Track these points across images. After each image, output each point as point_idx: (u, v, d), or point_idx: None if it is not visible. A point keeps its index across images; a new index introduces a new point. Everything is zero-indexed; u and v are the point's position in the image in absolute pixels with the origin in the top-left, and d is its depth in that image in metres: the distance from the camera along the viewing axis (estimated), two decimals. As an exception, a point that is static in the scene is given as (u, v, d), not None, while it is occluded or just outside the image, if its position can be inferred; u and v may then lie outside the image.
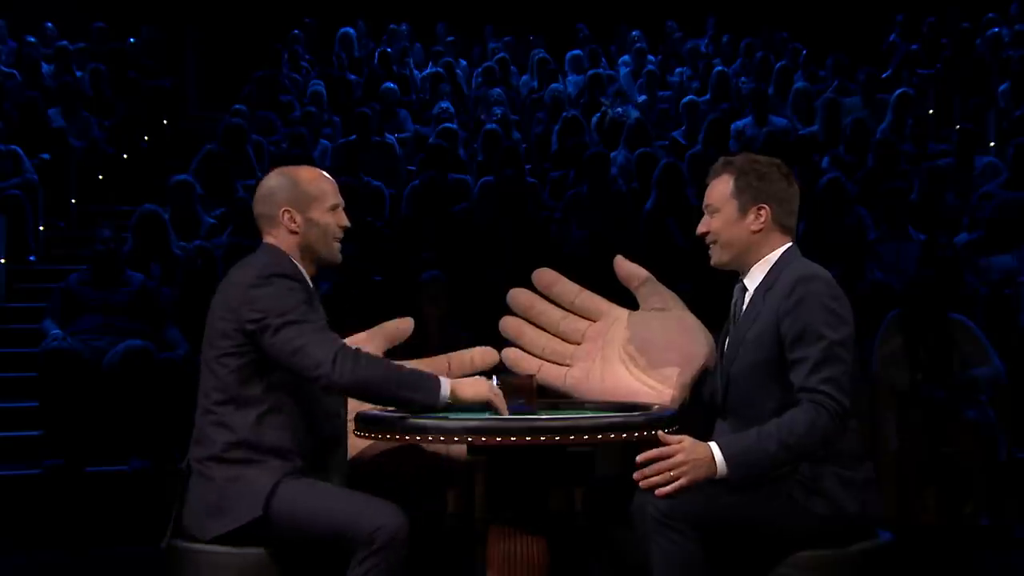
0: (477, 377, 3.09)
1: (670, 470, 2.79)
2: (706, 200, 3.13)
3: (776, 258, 3.05)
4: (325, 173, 3.17)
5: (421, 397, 2.93)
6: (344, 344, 2.92)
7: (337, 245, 3.14)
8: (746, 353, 2.99)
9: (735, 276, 3.15)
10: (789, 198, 3.08)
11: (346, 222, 3.14)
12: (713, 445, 2.83)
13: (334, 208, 3.11)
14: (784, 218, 3.07)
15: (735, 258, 3.09)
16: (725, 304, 3.17)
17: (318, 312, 3.01)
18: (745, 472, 2.82)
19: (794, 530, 2.89)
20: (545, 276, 3.52)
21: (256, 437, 2.94)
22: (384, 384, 2.90)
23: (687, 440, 2.82)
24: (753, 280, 3.07)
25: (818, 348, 2.85)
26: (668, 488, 2.78)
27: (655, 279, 3.41)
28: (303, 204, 3.06)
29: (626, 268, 3.44)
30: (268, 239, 3.11)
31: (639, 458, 2.82)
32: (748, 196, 3.05)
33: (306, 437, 3.02)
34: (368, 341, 3.33)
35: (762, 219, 3.04)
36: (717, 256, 3.11)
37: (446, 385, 2.96)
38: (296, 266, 3.05)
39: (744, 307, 3.06)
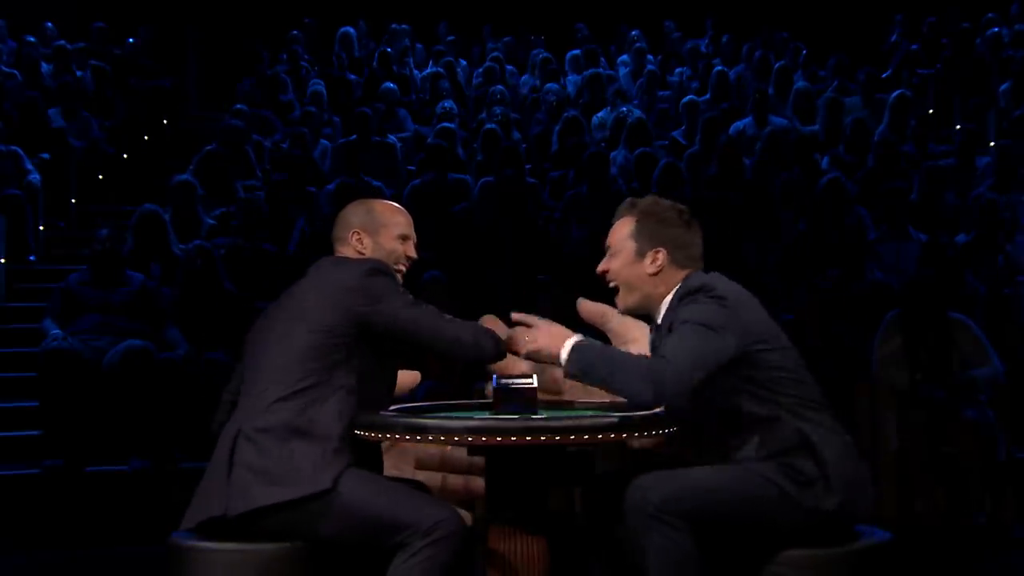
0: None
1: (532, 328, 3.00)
2: (608, 240, 3.21)
3: (677, 287, 3.11)
4: (400, 207, 3.39)
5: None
6: (469, 322, 3.17)
7: (398, 275, 3.27)
8: None
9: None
10: (687, 243, 3.15)
11: (413, 254, 3.34)
12: (575, 336, 2.97)
13: (403, 238, 3.32)
14: (682, 259, 3.14)
15: (642, 302, 3.16)
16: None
17: None
18: (571, 366, 2.93)
19: (786, 523, 2.91)
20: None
21: (323, 423, 2.99)
22: (495, 354, 3.15)
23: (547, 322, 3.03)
24: (661, 314, 3.13)
25: (682, 329, 2.92)
26: (525, 346, 3.00)
27: (617, 312, 3.42)
28: (373, 228, 3.29)
29: (590, 308, 3.54)
30: (339, 254, 3.30)
31: (515, 316, 3.08)
32: (646, 239, 3.13)
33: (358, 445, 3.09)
34: None
35: (659, 262, 3.12)
36: (623, 301, 3.19)
37: None
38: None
39: (658, 339, 3.12)
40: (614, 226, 3.20)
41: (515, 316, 3.14)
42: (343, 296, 3.07)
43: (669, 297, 3.11)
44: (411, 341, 3.13)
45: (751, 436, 2.97)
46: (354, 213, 3.32)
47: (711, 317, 2.92)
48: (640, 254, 3.13)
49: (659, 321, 3.14)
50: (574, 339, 2.97)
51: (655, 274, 3.12)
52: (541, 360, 3.04)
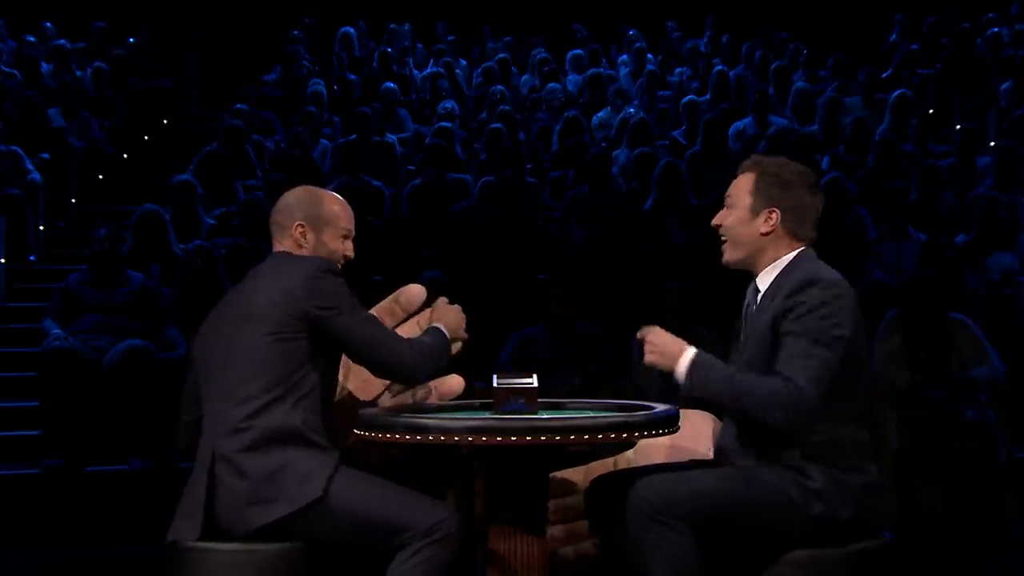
0: (448, 312, 3.31)
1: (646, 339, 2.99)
2: (728, 192, 3.16)
3: (787, 262, 3.06)
4: (344, 201, 3.27)
5: (447, 362, 3.23)
6: (413, 343, 3.12)
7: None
8: (749, 352, 3.01)
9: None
10: (805, 207, 3.08)
11: (351, 253, 3.24)
12: (689, 351, 2.94)
13: (345, 236, 3.21)
14: (796, 226, 3.07)
15: (745, 258, 3.10)
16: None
17: None
18: (694, 390, 2.92)
19: (789, 530, 2.90)
20: None
21: (302, 425, 2.96)
22: (434, 365, 3.16)
23: (665, 334, 2.99)
24: (764, 282, 3.08)
25: (802, 340, 2.87)
26: (646, 357, 2.98)
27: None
28: (318, 224, 3.16)
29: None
30: (279, 248, 3.18)
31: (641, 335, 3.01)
32: (763, 198, 3.06)
33: (336, 427, 3.08)
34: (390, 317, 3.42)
35: (771, 223, 3.06)
36: (729, 254, 3.13)
37: (447, 333, 3.23)
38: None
39: (755, 308, 3.07)
40: (736, 180, 3.14)
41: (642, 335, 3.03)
42: (294, 297, 2.97)
43: (776, 267, 3.05)
44: (349, 351, 3.08)
45: (789, 439, 2.92)
46: (299, 204, 3.18)
47: (832, 325, 2.87)
48: (755, 211, 3.06)
49: (761, 289, 3.06)
50: (691, 353, 2.93)
51: (766, 234, 3.06)
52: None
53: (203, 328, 3.17)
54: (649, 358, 2.98)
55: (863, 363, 3.00)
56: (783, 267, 3.05)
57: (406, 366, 3.06)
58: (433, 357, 3.14)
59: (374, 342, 3.03)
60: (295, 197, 3.20)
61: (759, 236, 3.07)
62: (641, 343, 3.01)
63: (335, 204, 3.22)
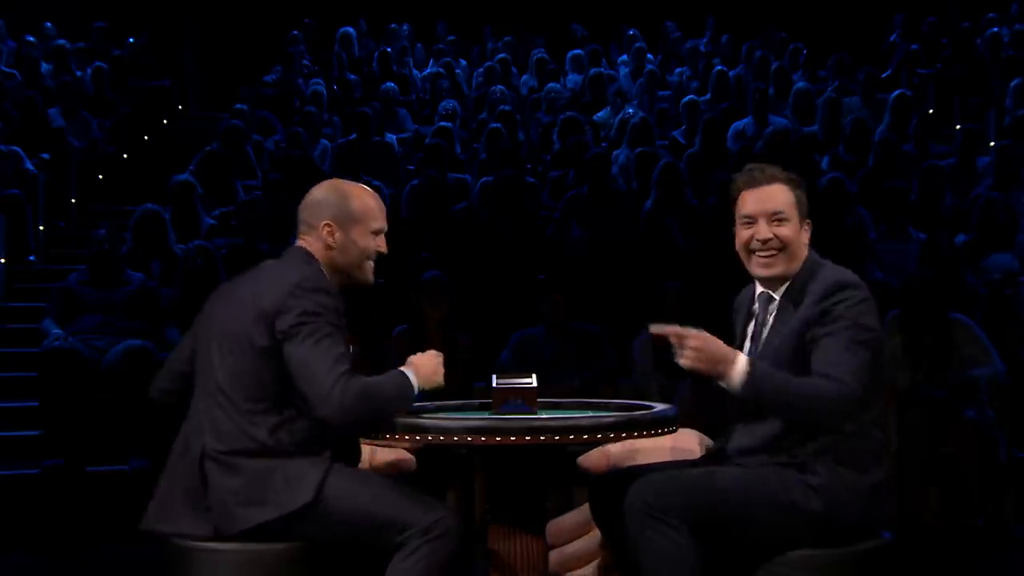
0: (424, 358, 3.04)
1: (689, 344, 2.81)
2: (771, 206, 3.05)
3: (799, 267, 3.04)
4: (376, 195, 3.15)
5: (405, 406, 3.00)
6: (350, 380, 2.83)
7: (370, 266, 3.12)
8: (770, 361, 2.95)
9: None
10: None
11: (384, 248, 3.12)
12: (741, 359, 2.83)
13: (377, 232, 3.10)
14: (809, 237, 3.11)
15: (788, 272, 3.05)
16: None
17: (342, 337, 2.94)
18: (747, 398, 2.84)
19: (788, 529, 2.89)
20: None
21: (290, 443, 2.93)
22: (372, 412, 2.90)
23: (711, 338, 2.84)
24: (778, 291, 3.06)
25: (844, 338, 2.86)
26: (685, 360, 2.80)
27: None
28: (347, 223, 3.05)
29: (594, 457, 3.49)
30: (302, 243, 3.08)
31: (653, 329, 2.84)
32: (802, 210, 3.08)
33: (334, 436, 3.04)
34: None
35: (807, 234, 3.08)
36: (782, 267, 3.05)
37: (414, 379, 2.97)
38: (332, 284, 3.02)
39: (772, 316, 3.04)
40: (769, 191, 3.06)
41: (654, 329, 2.88)
42: (269, 317, 2.89)
43: (791, 274, 3.03)
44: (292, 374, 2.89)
45: (801, 438, 2.91)
46: (328, 201, 3.06)
47: (866, 327, 2.88)
48: (800, 225, 3.06)
49: (776, 298, 3.04)
50: (744, 362, 2.83)
51: (806, 245, 3.06)
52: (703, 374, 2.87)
53: (206, 312, 3.11)
54: (691, 363, 2.83)
55: (881, 364, 2.99)
56: (794, 274, 3.03)
57: (329, 401, 2.80)
58: (377, 401, 2.88)
59: (305, 366, 2.83)
60: (323, 194, 3.08)
61: (803, 247, 3.06)
62: (650, 342, 2.99)
63: (366, 198, 3.10)
